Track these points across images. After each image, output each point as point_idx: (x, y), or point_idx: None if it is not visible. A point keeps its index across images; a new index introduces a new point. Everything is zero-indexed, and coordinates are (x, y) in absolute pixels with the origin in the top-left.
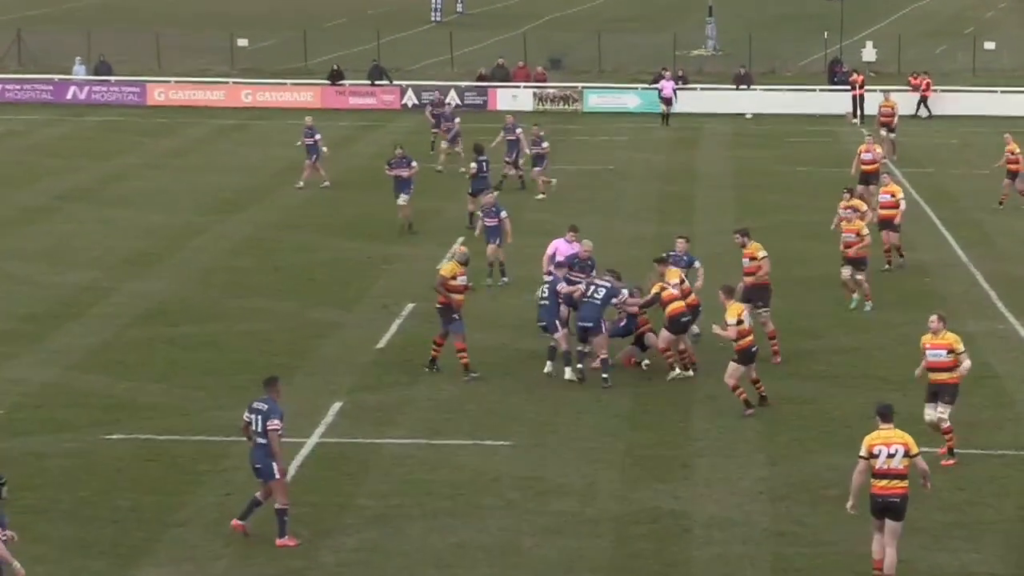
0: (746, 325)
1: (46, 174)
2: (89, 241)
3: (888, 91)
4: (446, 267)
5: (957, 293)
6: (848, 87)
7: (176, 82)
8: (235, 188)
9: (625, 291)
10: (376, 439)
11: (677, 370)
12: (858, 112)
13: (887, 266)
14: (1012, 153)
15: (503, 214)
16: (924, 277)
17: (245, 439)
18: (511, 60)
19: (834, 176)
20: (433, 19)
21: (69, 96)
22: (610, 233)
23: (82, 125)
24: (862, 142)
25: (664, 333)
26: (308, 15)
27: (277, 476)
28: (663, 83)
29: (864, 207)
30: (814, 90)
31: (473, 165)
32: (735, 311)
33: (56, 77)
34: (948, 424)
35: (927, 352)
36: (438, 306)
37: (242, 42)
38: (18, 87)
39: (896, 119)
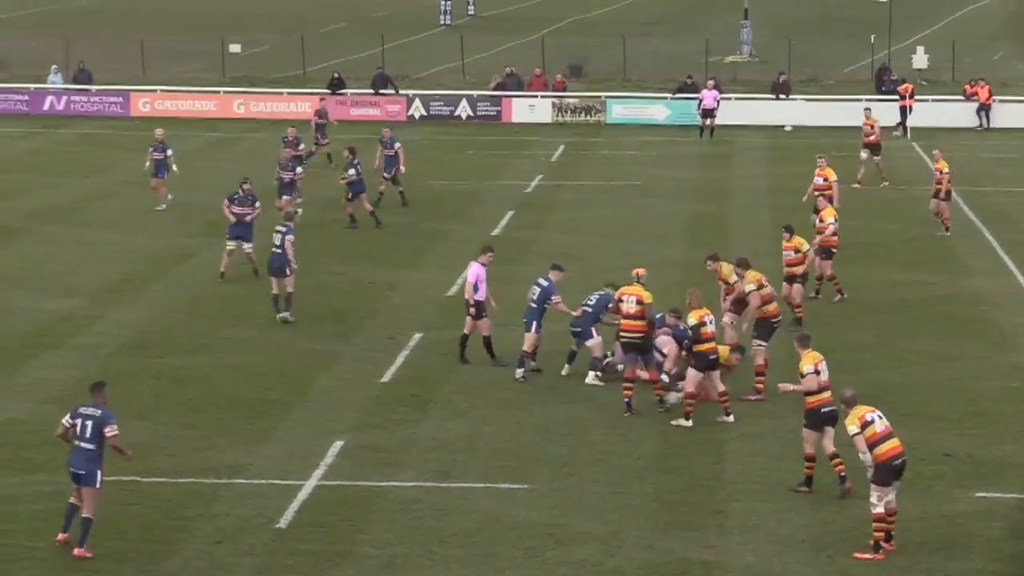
0: (708, 329)
1: (19, 192)
2: (66, 265)
3: (869, 107)
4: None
5: (1017, 323)
6: (897, 97)
7: (162, 91)
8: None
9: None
10: (380, 482)
11: (690, 422)
12: (904, 125)
13: (815, 295)
14: None
15: None
16: (980, 305)
17: (64, 441)
18: (527, 67)
19: (880, 194)
20: (442, 23)
21: (45, 107)
22: (635, 257)
23: (59, 138)
24: (914, 156)
25: (691, 372)
26: (306, 18)
27: (98, 485)
28: (704, 92)
29: (804, 246)
30: (860, 100)
31: (352, 172)
32: (697, 315)
33: (31, 86)
34: None
35: None
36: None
37: (234, 48)
38: None
39: (876, 138)
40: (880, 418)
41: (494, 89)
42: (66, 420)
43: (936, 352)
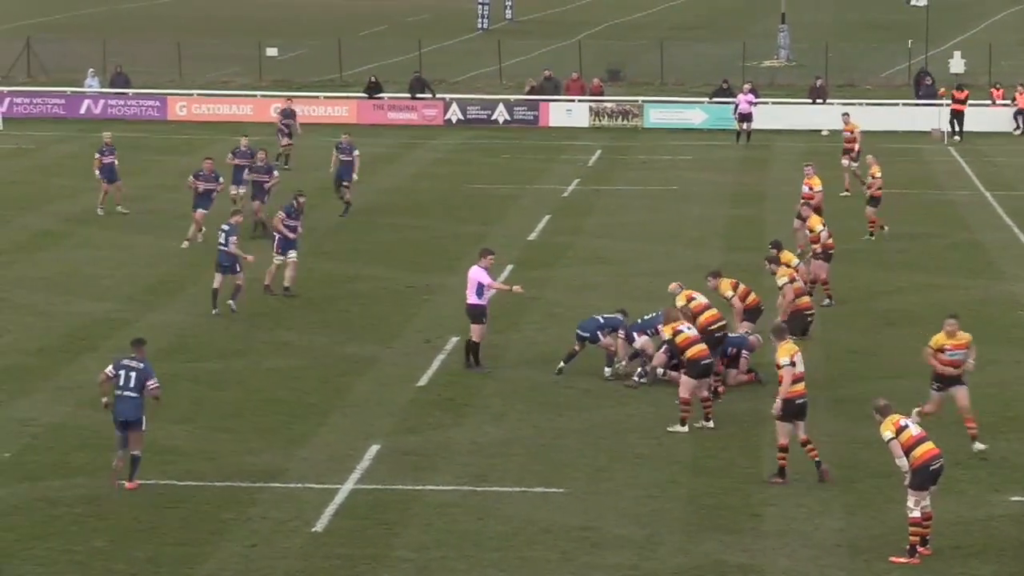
0: (689, 334)
1: (57, 195)
2: (104, 268)
3: (847, 113)
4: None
5: None
6: (943, 102)
7: (199, 95)
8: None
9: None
10: (416, 486)
11: (684, 428)
12: (954, 129)
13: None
14: None
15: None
16: (1017, 310)
17: (102, 396)
18: (565, 71)
19: (920, 199)
20: (479, 27)
21: (83, 110)
22: (671, 260)
23: (96, 142)
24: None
25: (685, 380)
26: (343, 22)
27: (143, 428)
28: (740, 97)
29: (793, 261)
30: (897, 104)
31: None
32: (670, 328)
33: (68, 90)
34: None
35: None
36: None
37: (271, 51)
38: (27, 101)
39: (858, 146)
40: (916, 423)
41: (528, 93)
42: (108, 370)
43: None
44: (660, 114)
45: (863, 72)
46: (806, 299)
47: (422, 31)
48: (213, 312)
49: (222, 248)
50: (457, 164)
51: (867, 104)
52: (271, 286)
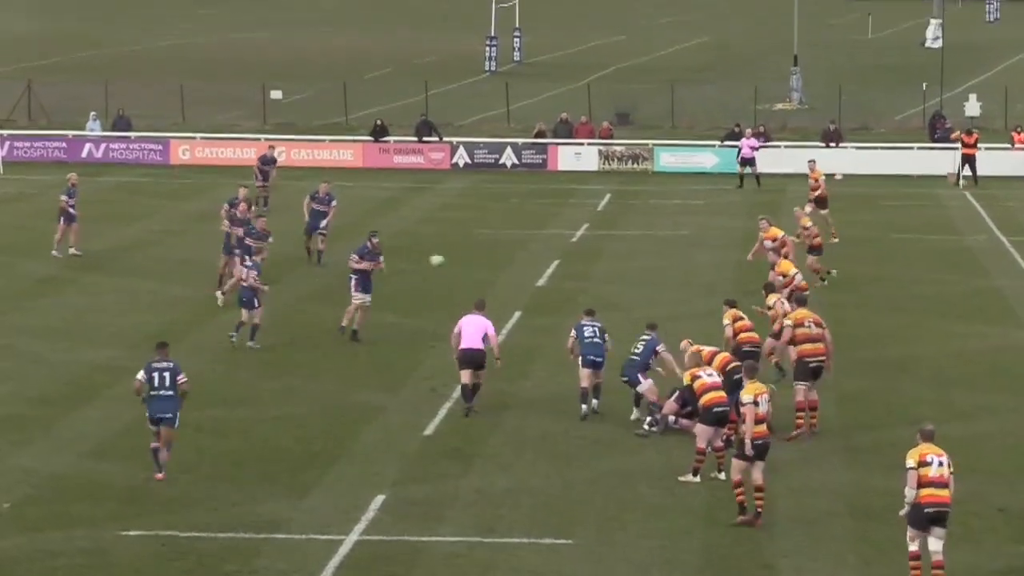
0: (706, 380)
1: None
2: (106, 316)
3: (813, 160)
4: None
5: None
6: (955, 145)
7: (202, 138)
8: (269, 257)
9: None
10: (423, 537)
11: (696, 478)
12: (961, 172)
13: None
14: None
15: None
16: None
17: (138, 396)
18: (574, 114)
19: (935, 245)
20: (487, 69)
21: (84, 154)
22: (682, 307)
23: (98, 186)
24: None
25: (701, 429)
26: (348, 65)
27: (176, 425)
28: (743, 141)
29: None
30: (912, 148)
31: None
32: (689, 375)
33: (70, 133)
34: None
35: None
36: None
37: (276, 94)
38: (28, 144)
39: (822, 192)
40: (941, 464)
41: (538, 136)
42: (140, 375)
43: (992, 405)
44: (670, 158)
45: (877, 115)
46: (809, 346)
47: (429, 73)
48: (230, 336)
49: (244, 284)
50: (464, 209)
51: (881, 148)
52: (346, 327)
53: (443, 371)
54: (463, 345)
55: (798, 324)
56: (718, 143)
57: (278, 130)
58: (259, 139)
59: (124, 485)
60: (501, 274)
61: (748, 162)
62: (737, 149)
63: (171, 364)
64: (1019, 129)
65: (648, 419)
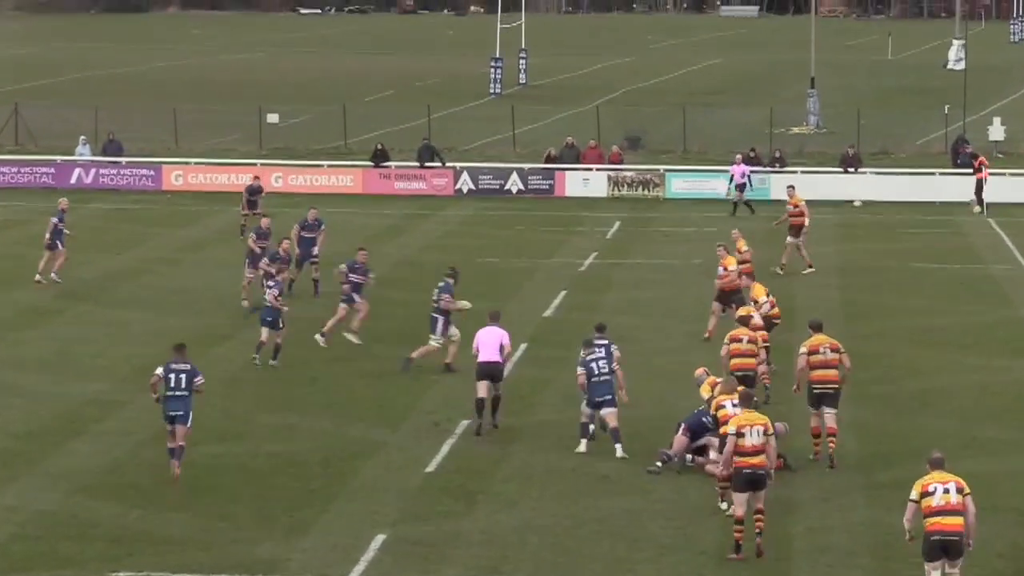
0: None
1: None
2: (96, 347)
3: (792, 185)
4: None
5: None
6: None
7: (196, 163)
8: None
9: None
10: None
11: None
12: (980, 199)
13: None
14: None
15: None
16: None
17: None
18: (582, 138)
19: (957, 274)
20: (492, 92)
21: (73, 180)
22: (695, 338)
23: (88, 213)
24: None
25: (736, 495)
26: (348, 87)
27: (189, 424)
28: (733, 167)
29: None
30: (933, 174)
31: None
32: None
33: (58, 158)
34: None
35: None
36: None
37: (272, 118)
38: (15, 170)
39: (806, 221)
40: (947, 491)
41: (547, 161)
42: (159, 372)
43: (1017, 440)
44: (683, 184)
45: (897, 139)
46: (819, 372)
47: (431, 96)
48: (253, 358)
49: (267, 304)
50: (468, 236)
51: (902, 173)
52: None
53: (446, 405)
54: (481, 358)
55: (812, 351)
56: (761, 169)
57: (275, 155)
58: (255, 164)
59: (114, 524)
60: (506, 304)
61: (740, 188)
62: (730, 175)
63: (189, 366)
64: None
65: (661, 454)
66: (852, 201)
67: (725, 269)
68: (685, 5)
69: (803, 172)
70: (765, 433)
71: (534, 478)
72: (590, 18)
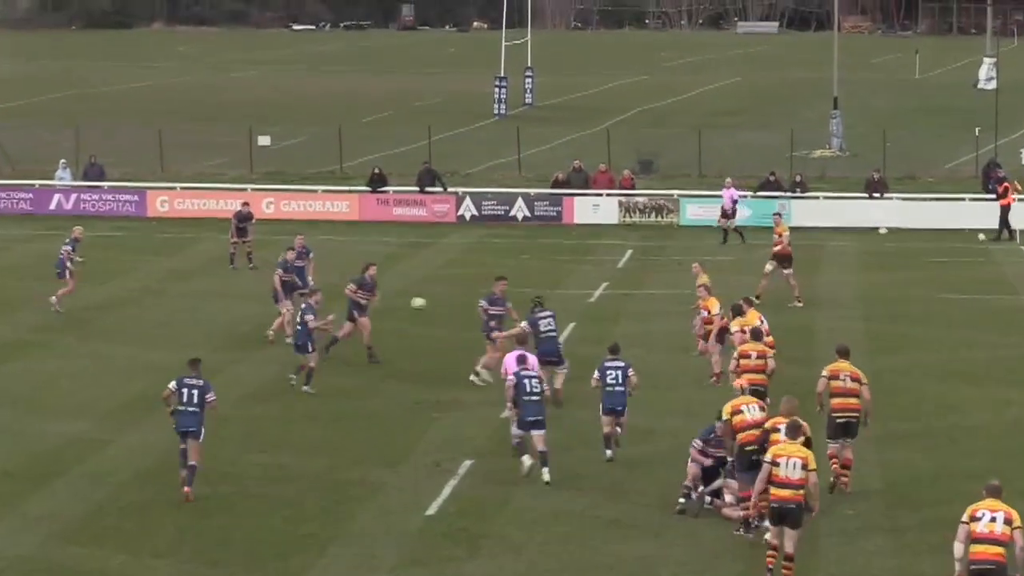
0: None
1: (26, 302)
2: (78, 383)
3: (779, 212)
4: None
5: None
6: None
7: (182, 188)
8: (254, 319)
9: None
10: None
11: (745, 532)
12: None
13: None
14: None
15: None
16: None
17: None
18: (592, 162)
19: (988, 304)
20: (496, 113)
21: (52, 206)
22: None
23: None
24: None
25: (738, 479)
26: (344, 108)
27: (200, 439)
28: (724, 192)
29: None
30: (963, 199)
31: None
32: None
33: (37, 183)
34: None
35: None
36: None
37: (263, 140)
38: None
39: (784, 247)
40: (992, 520)
41: (554, 186)
42: (172, 386)
43: None
44: (698, 210)
45: (925, 163)
46: (839, 400)
47: (432, 117)
48: (290, 378)
49: (299, 327)
50: (471, 266)
51: (930, 199)
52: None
53: (447, 444)
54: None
55: (833, 376)
56: (751, 194)
57: (266, 179)
58: (245, 189)
59: (95, 569)
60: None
61: (727, 214)
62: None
63: (202, 383)
64: None
65: (681, 493)
66: (877, 228)
67: (708, 313)
68: (701, 21)
69: (825, 198)
70: (804, 467)
71: (539, 521)
72: (600, 35)
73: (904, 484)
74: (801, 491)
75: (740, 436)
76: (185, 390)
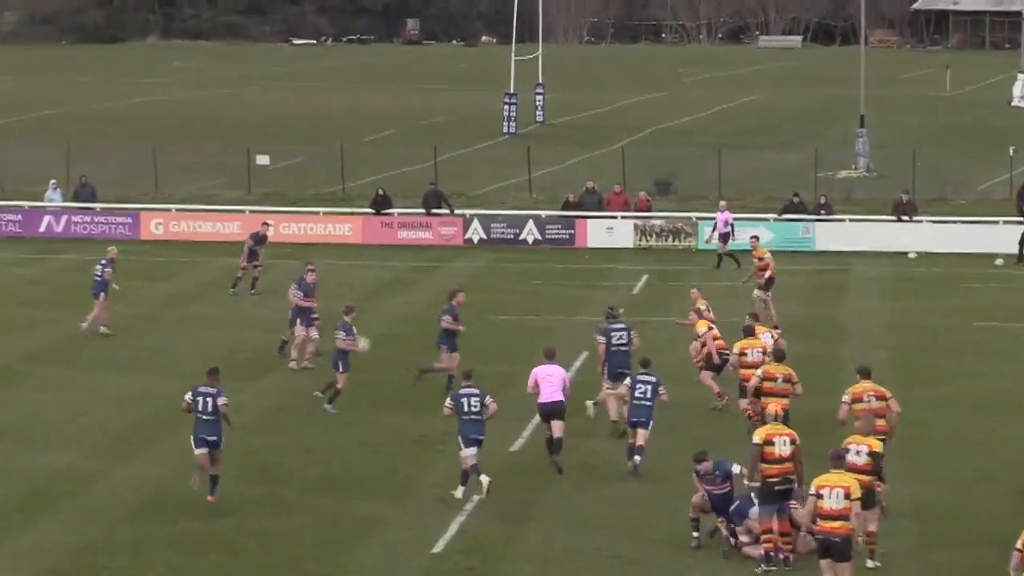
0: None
1: (13, 328)
2: (67, 413)
3: (756, 236)
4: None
5: None
6: None
7: (177, 211)
8: (252, 347)
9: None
10: None
11: (766, 567)
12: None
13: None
14: None
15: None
16: None
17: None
18: (606, 183)
19: (1020, 334)
20: (505, 131)
21: (42, 228)
22: (732, 405)
23: (58, 265)
24: None
25: (760, 510)
26: (346, 126)
27: (221, 447)
28: (718, 215)
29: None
30: (996, 222)
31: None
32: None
33: (26, 204)
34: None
35: None
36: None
37: (262, 160)
38: None
39: (770, 273)
40: None
41: (566, 208)
42: (188, 397)
43: None
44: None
45: (956, 184)
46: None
47: (438, 136)
48: (316, 394)
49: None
50: (479, 291)
51: (961, 222)
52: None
53: (454, 479)
54: (543, 399)
55: (856, 399)
56: (774, 216)
57: (265, 201)
58: (243, 211)
59: None
60: (522, 368)
61: (723, 238)
62: (714, 224)
63: (214, 390)
64: None
65: (692, 528)
66: (906, 253)
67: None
68: (720, 35)
69: (851, 220)
70: (847, 497)
71: (552, 561)
72: (614, 49)
73: (936, 523)
74: (847, 522)
75: (765, 468)
76: (200, 399)
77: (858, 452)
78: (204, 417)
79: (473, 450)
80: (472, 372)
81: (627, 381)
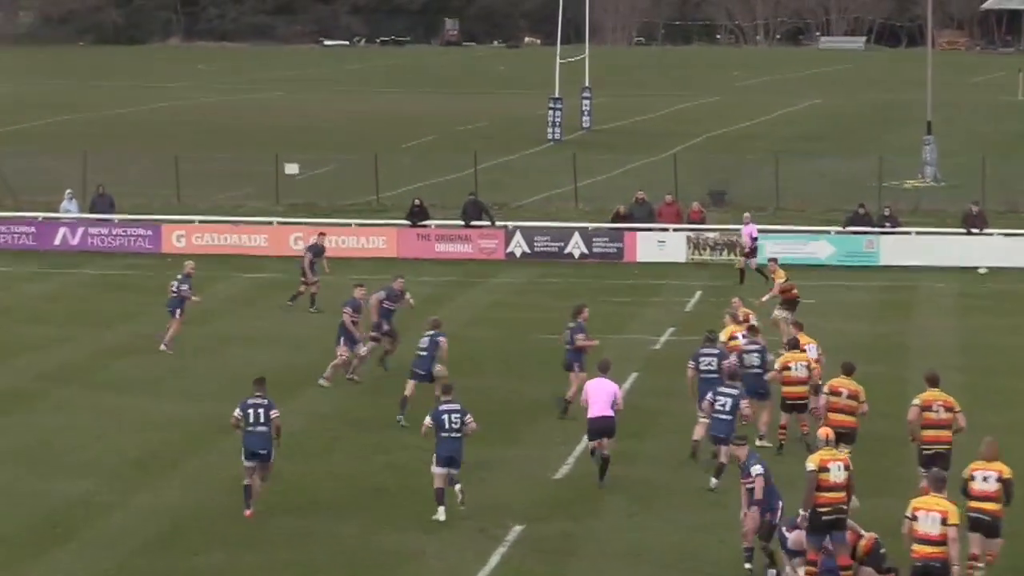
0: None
1: (26, 347)
2: (83, 438)
3: (774, 257)
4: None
5: None
6: None
7: (200, 222)
8: (278, 367)
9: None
10: None
11: None
12: None
13: None
14: None
15: None
16: None
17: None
18: (656, 193)
19: None
20: (550, 138)
21: (57, 241)
22: (791, 430)
23: (74, 280)
24: None
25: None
26: (380, 132)
27: (272, 460)
28: (743, 228)
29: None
30: None
31: None
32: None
33: (40, 215)
34: None
35: None
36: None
37: (291, 168)
38: None
39: (794, 291)
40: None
41: (614, 220)
42: (237, 412)
43: None
44: (776, 247)
45: None
46: (931, 432)
47: (478, 143)
48: (398, 419)
49: (421, 353)
50: (521, 308)
51: None
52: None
53: (493, 508)
54: (592, 414)
55: (925, 407)
56: (835, 229)
57: (294, 212)
58: (271, 223)
59: None
60: (568, 388)
61: (751, 253)
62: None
63: (265, 400)
64: None
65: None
66: (976, 267)
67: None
68: (778, 36)
69: (918, 233)
70: (944, 522)
71: None
72: (666, 51)
73: (1012, 558)
74: (944, 548)
75: (817, 496)
76: (251, 411)
77: (986, 478)
78: (256, 429)
79: (445, 470)
80: (452, 387)
81: (708, 395)
